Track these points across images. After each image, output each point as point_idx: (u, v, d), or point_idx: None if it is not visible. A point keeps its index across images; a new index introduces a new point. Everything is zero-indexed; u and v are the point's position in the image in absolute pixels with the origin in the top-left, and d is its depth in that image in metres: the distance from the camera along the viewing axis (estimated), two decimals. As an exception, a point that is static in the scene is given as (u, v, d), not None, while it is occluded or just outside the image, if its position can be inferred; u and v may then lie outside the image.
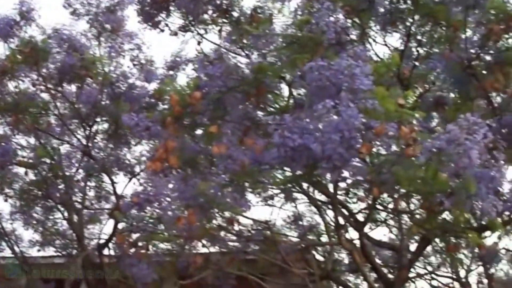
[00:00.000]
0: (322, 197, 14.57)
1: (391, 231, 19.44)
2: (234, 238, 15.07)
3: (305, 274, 15.39)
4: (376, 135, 7.91)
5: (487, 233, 19.96)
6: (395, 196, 9.86)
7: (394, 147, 8.34)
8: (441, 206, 8.24)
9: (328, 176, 8.92)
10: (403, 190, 9.21)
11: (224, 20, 15.52)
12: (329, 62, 8.40)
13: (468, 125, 7.61)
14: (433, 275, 22.16)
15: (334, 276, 16.34)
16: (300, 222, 19.26)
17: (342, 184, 13.93)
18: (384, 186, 9.02)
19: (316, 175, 9.06)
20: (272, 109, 11.84)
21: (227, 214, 12.44)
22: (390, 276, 16.40)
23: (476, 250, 20.06)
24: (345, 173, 9.85)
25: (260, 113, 11.64)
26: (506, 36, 12.23)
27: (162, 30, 16.94)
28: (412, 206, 13.44)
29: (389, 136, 8.02)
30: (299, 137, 7.97)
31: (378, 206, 14.73)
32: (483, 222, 10.06)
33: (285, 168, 9.04)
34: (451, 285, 22.01)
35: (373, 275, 15.90)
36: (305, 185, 12.74)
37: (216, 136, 11.15)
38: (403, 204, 13.78)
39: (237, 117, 11.45)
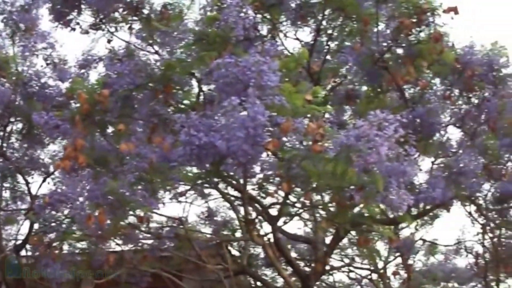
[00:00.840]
0: (236, 193, 14.14)
1: (306, 225, 19.17)
2: (147, 236, 14.52)
3: (220, 269, 14.90)
4: (282, 131, 7.54)
5: (404, 224, 20.24)
6: (307, 190, 9.49)
7: (304, 143, 8.05)
8: (351, 200, 7.94)
9: (236, 172, 8.62)
10: (314, 184, 8.88)
11: (135, 18, 14.95)
12: (237, 59, 8.04)
13: (377, 120, 7.30)
14: (350, 268, 22.07)
15: (250, 270, 15.94)
16: (214, 218, 18.75)
17: (255, 179, 13.67)
18: (294, 180, 8.75)
19: (224, 171, 8.68)
20: (182, 106, 11.37)
21: (138, 212, 11.90)
22: (306, 269, 16.12)
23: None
24: (255, 169, 9.59)
25: (168, 111, 11.19)
26: (417, 29, 12.14)
27: (74, 29, 16.27)
28: (325, 200, 13.19)
29: (297, 132, 7.66)
30: (205, 135, 7.65)
31: (292, 200, 14.38)
32: (395, 215, 9.82)
33: (193, 165, 8.57)
34: (369, 277, 21.99)
35: (290, 268, 15.58)
36: (217, 181, 12.35)
37: (124, 134, 10.75)
38: (317, 198, 13.53)
39: (145, 114, 11.04)
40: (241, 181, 10.59)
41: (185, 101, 11.47)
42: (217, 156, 7.63)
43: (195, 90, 11.82)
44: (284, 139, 7.93)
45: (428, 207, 13.68)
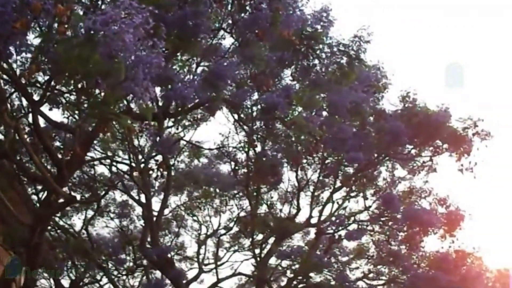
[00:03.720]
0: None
1: (70, 113, 19.03)
2: None
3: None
4: (32, 11, 7.74)
5: (169, 124, 20.83)
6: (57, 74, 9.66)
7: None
8: (97, 87, 8.28)
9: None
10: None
11: None
12: None
13: (125, 8, 7.64)
14: (112, 161, 22.54)
15: (11, 156, 15.76)
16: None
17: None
18: (49, 63, 8.90)
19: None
20: None
21: None
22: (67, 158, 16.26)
23: (153, 137, 20.62)
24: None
25: None
26: None
27: None
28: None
29: (47, 13, 7.86)
30: None
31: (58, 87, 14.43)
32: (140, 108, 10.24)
33: None
34: (129, 172, 22.56)
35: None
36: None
37: None
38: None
39: None
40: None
41: None
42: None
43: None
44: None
45: (187, 107, 14.25)
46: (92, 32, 7.52)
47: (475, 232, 25.72)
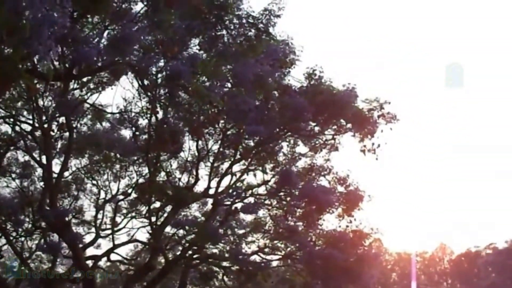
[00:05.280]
0: None
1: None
2: None
3: None
4: None
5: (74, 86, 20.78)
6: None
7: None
8: (1, 44, 8.38)
9: None
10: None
11: None
12: None
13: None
14: (16, 120, 22.39)
15: None
16: None
17: None
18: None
19: None
20: None
21: None
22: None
23: (57, 98, 20.55)
24: None
25: None
26: None
27: None
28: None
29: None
30: None
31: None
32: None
33: None
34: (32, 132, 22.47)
35: None
36: None
37: None
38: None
39: None
40: None
41: None
42: None
43: None
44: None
45: (92, 69, 14.36)
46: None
47: (375, 214, 26.50)
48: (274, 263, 25.59)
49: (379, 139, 21.08)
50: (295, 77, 20.38)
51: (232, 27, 16.40)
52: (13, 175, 25.90)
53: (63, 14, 8.33)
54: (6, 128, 23.55)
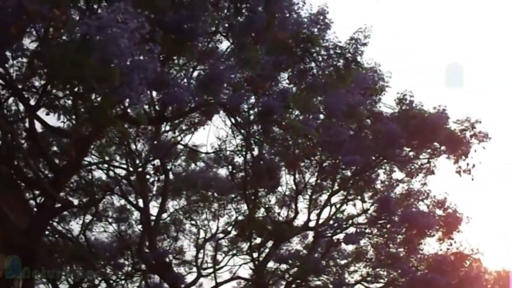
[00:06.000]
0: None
1: (67, 118, 18.94)
2: None
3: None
4: (28, 16, 7.74)
5: (166, 127, 20.86)
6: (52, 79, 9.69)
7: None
8: (91, 92, 8.27)
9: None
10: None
11: None
12: None
13: (121, 12, 7.64)
14: (110, 166, 22.56)
15: (8, 160, 15.64)
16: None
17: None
18: (45, 68, 8.90)
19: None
20: None
21: None
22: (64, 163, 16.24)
23: (150, 142, 20.69)
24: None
25: None
26: None
27: None
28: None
29: (43, 18, 7.86)
30: None
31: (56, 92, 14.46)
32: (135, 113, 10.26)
33: None
34: (127, 177, 22.59)
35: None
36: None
37: None
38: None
39: None
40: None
41: None
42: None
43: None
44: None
45: (184, 111, 14.26)
46: (87, 37, 7.52)
47: (474, 234, 25.76)
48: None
49: (473, 159, 20.39)
50: (386, 104, 20.09)
51: (320, 59, 16.06)
52: (110, 220, 25.91)
53: (152, 59, 8.13)
54: (100, 174, 23.72)
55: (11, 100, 15.04)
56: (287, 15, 14.72)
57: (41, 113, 14.87)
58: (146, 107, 13.54)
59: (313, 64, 16.11)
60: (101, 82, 8.04)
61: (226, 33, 14.63)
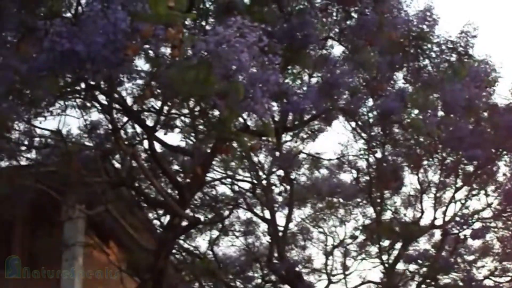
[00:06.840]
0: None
1: (186, 136, 19.06)
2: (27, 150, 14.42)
3: (102, 182, 14.77)
4: (142, 37, 7.65)
5: (287, 138, 20.84)
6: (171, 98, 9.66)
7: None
8: (214, 108, 8.13)
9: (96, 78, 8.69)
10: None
11: None
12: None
13: (237, 26, 7.44)
14: (233, 180, 22.61)
15: (129, 182, 15.85)
16: (97, 131, 18.41)
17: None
18: (162, 88, 8.88)
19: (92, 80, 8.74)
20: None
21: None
22: (188, 181, 16.31)
23: (272, 153, 20.66)
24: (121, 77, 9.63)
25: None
26: None
27: None
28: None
29: (158, 39, 7.76)
30: (68, 41, 7.60)
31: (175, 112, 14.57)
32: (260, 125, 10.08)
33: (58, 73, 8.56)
34: (251, 189, 22.62)
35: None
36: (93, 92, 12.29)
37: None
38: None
39: (13, 24, 10.72)
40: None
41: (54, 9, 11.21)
42: (78, 62, 7.64)
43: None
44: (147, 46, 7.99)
45: (305, 119, 14.12)
46: (206, 53, 7.36)
47: None
48: (506, 285, 24.44)
49: None
50: (501, 95, 19.41)
51: (433, 55, 15.57)
52: (237, 233, 25.97)
53: (273, 70, 7.90)
54: (224, 189, 23.80)
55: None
56: (396, 14, 14.32)
57: (159, 133, 15.07)
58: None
59: (427, 61, 15.65)
60: (223, 97, 7.85)
61: (338, 38, 14.33)
